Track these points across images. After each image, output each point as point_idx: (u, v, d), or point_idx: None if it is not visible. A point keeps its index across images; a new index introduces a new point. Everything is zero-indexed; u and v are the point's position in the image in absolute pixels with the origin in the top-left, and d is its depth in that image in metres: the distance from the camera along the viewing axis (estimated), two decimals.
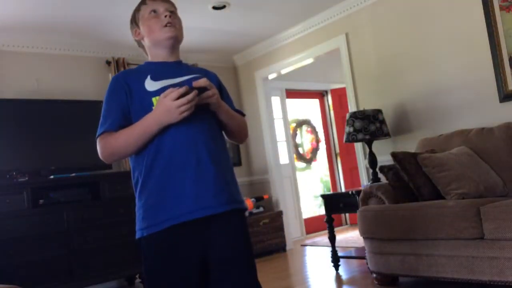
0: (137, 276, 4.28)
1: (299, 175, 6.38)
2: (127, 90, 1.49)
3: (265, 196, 5.26)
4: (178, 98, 1.37)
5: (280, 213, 5.19)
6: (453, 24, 3.60)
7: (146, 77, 1.52)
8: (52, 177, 3.86)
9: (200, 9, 4.07)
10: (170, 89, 1.39)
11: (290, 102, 6.35)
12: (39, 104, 4.06)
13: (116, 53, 4.72)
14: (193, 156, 1.44)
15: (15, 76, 4.17)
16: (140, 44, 1.68)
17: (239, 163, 5.60)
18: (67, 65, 4.48)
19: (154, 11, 1.57)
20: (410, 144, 3.79)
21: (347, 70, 4.41)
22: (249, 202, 5.01)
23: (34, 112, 4.00)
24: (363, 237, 3.09)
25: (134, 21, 1.65)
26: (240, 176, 5.58)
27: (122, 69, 4.64)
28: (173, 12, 1.59)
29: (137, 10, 1.63)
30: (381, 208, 2.99)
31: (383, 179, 3.51)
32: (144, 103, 1.47)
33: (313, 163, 6.77)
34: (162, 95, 1.41)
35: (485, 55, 3.40)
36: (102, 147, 1.48)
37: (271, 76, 5.40)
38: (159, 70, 1.55)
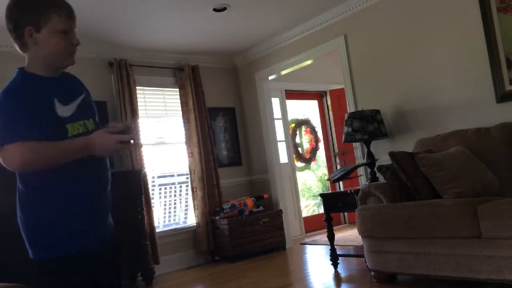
0: (138, 274, 4.31)
1: (298, 174, 6.42)
2: (39, 111, 1.41)
3: (265, 195, 5.30)
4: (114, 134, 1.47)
5: (279, 212, 5.22)
6: (450, 26, 3.63)
7: (53, 100, 1.45)
8: None
9: (201, 11, 4.10)
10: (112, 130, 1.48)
11: (289, 102, 6.39)
12: None
13: (118, 54, 4.74)
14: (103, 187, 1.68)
15: None
16: (22, 41, 1.48)
17: (239, 163, 5.64)
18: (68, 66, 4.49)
19: (66, 32, 1.49)
20: (408, 144, 3.82)
21: (346, 71, 4.45)
22: (249, 201, 5.05)
23: None
24: (362, 236, 3.12)
25: (37, 19, 1.44)
26: (240, 175, 5.62)
27: (124, 71, 4.65)
28: None
29: (46, 12, 1.44)
30: (379, 207, 3.03)
31: (381, 178, 3.55)
32: (59, 130, 1.44)
33: (312, 163, 6.81)
34: (104, 133, 1.46)
35: (482, 56, 3.44)
36: (24, 151, 1.35)
37: (271, 77, 5.44)
38: (59, 90, 1.51)
